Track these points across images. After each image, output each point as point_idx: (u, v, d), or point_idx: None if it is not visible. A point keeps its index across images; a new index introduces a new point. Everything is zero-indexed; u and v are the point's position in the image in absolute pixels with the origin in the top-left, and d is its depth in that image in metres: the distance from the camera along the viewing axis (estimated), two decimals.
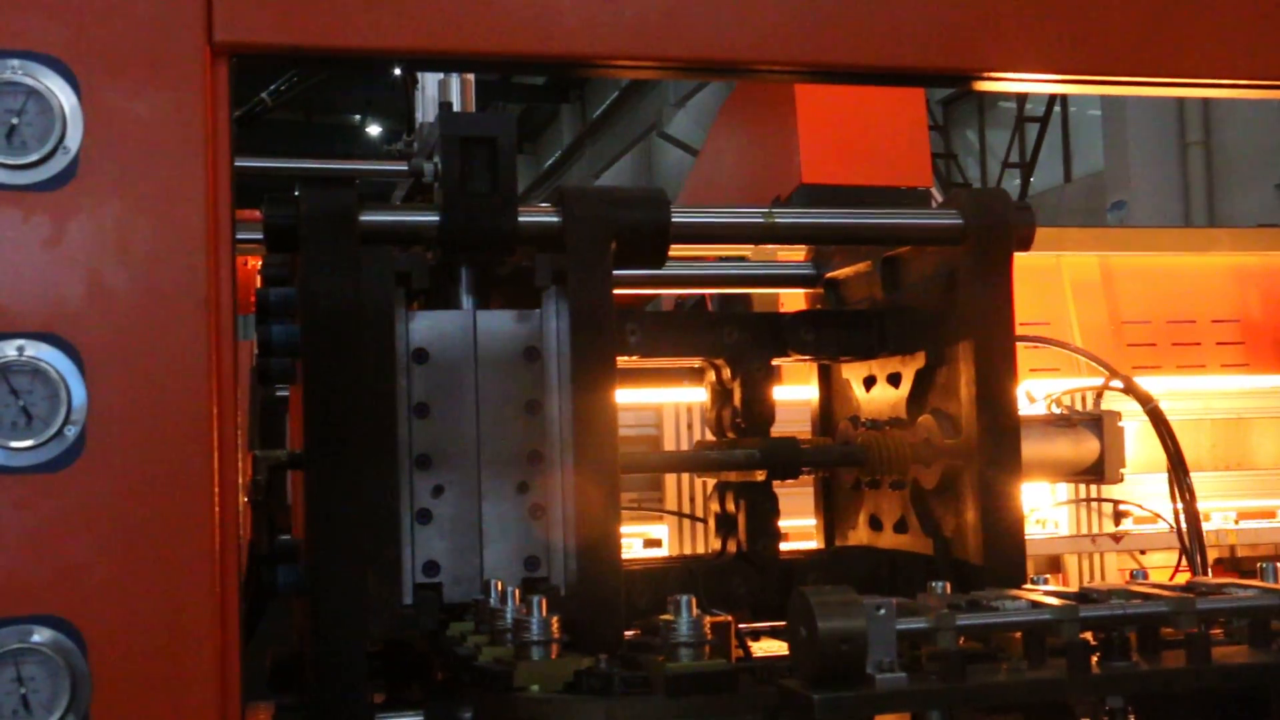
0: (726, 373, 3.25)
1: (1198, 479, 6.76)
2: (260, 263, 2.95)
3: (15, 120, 2.21)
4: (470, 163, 2.68)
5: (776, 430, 3.26)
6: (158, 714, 2.23)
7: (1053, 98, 17.20)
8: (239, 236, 2.41)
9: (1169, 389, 7.13)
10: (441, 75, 4.00)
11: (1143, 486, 5.98)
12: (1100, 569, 6.78)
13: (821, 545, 3.48)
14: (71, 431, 2.20)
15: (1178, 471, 3.48)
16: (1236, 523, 6.99)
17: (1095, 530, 6.76)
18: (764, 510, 3.21)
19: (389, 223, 2.71)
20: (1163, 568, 5.88)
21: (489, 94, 26.10)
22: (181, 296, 2.27)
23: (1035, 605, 2.25)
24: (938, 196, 7.38)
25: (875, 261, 3.26)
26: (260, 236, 2.62)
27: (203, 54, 2.31)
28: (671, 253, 2.86)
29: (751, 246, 4.77)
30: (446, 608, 2.69)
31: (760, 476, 3.19)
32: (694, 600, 2.34)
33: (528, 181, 31.41)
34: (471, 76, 4.03)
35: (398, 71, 4.88)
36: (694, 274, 3.53)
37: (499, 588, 2.51)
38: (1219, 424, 7.23)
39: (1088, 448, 3.21)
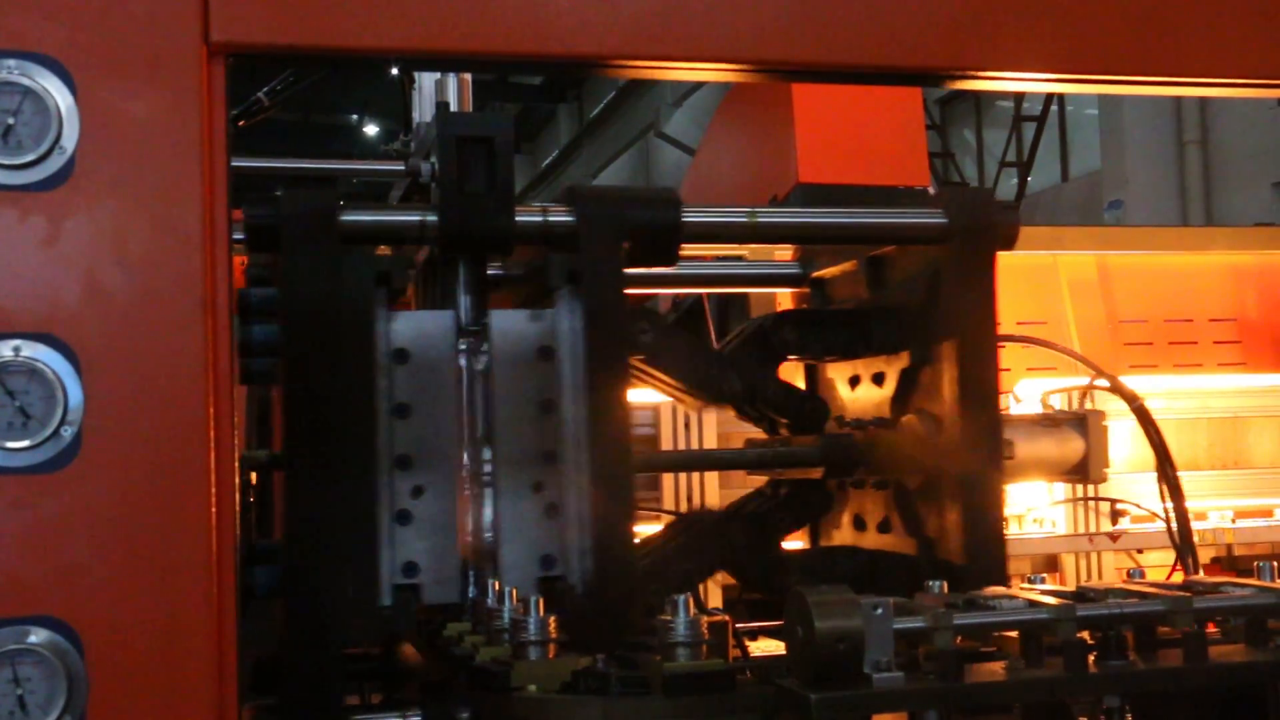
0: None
1: (1195, 478, 6.78)
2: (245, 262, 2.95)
3: (11, 120, 2.21)
4: (467, 162, 2.68)
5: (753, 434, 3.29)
6: (154, 715, 2.23)
7: (1050, 97, 17.20)
8: (236, 237, 2.41)
9: (1166, 388, 7.14)
10: (438, 75, 4.00)
11: (1140, 485, 5.98)
12: (1098, 568, 6.78)
13: (806, 545, 3.48)
14: (68, 432, 2.20)
15: (1165, 469, 3.47)
16: (1233, 522, 6.99)
17: (1093, 529, 6.76)
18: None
19: (380, 223, 2.71)
20: (1160, 566, 5.88)
21: (486, 94, 26.11)
22: (178, 297, 2.27)
23: (1032, 604, 2.25)
24: None
25: (860, 261, 3.25)
26: None
27: (199, 54, 2.31)
28: None
29: (748, 246, 4.77)
30: (426, 608, 2.69)
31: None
32: (691, 600, 2.34)
33: (525, 181, 31.42)
34: (469, 76, 4.03)
35: (395, 71, 4.88)
36: (681, 274, 3.52)
37: (495, 587, 2.51)
38: (1216, 423, 7.23)
39: (1072, 447, 3.21)
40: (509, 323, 2.77)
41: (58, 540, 2.20)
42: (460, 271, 2.90)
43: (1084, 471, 3.23)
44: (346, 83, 25.18)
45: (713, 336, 6.42)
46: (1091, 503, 6.60)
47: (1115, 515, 6.62)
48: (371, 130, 30.20)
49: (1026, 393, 5.56)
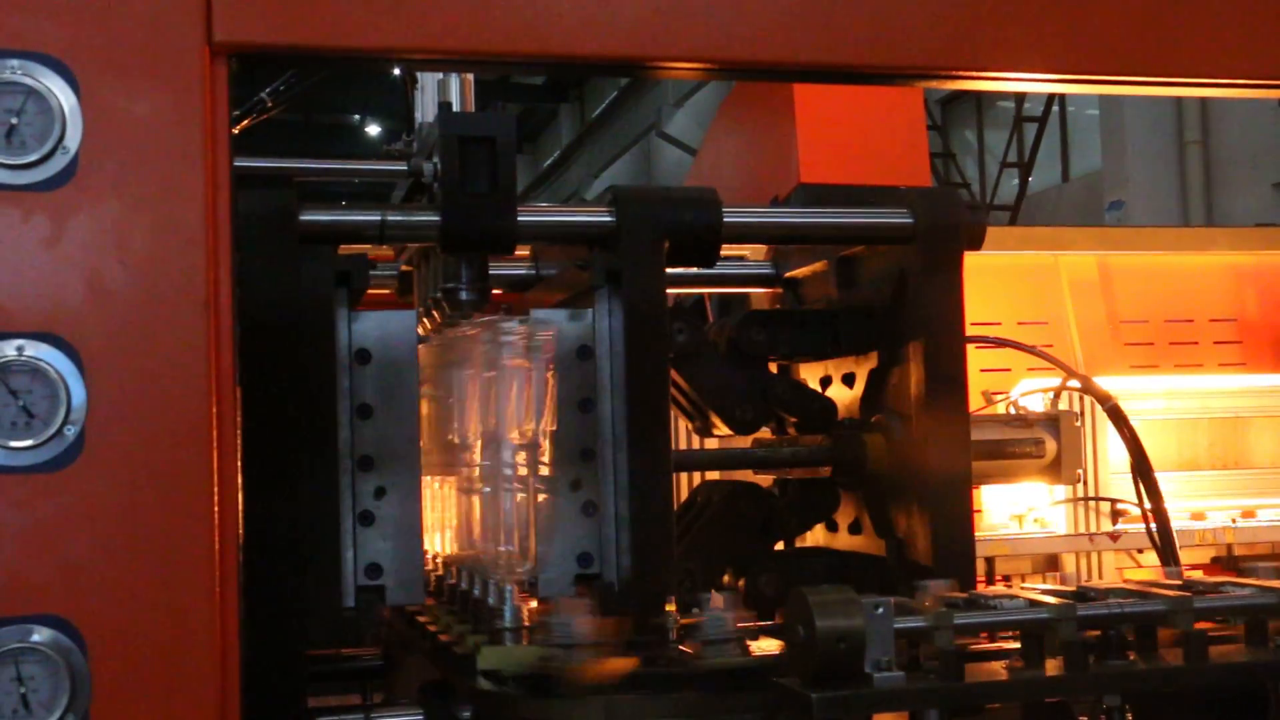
0: None
1: (1195, 478, 6.79)
2: None
3: (15, 120, 2.22)
4: (470, 162, 2.69)
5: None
6: (157, 713, 2.23)
7: (1051, 97, 17.19)
8: None
9: (1167, 388, 7.15)
10: (441, 75, 4.00)
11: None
12: (1098, 568, 6.79)
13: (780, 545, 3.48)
14: (71, 431, 2.21)
15: (1141, 469, 3.47)
16: (1234, 521, 7.00)
17: (1092, 529, 6.76)
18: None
19: (330, 222, 2.72)
20: (1160, 566, 5.88)
21: (488, 94, 26.12)
22: (180, 296, 2.27)
23: (1033, 604, 2.25)
24: None
25: (831, 261, 3.26)
26: None
27: (202, 54, 2.32)
28: None
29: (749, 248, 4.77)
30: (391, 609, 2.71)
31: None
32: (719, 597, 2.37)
33: (527, 181, 31.43)
34: (471, 76, 4.03)
35: (397, 72, 4.89)
36: None
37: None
38: (1216, 423, 7.24)
39: (1045, 448, 3.21)
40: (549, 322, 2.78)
41: (61, 539, 2.21)
42: (463, 271, 2.90)
43: (1056, 472, 3.23)
44: (348, 83, 25.19)
45: None
46: (1091, 503, 6.61)
47: (1115, 515, 6.63)
48: (374, 130, 30.20)
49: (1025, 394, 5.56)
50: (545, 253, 3.21)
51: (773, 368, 3.39)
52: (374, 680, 3.19)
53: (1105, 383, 3.73)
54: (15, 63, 2.22)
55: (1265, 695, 2.34)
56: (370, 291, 2.79)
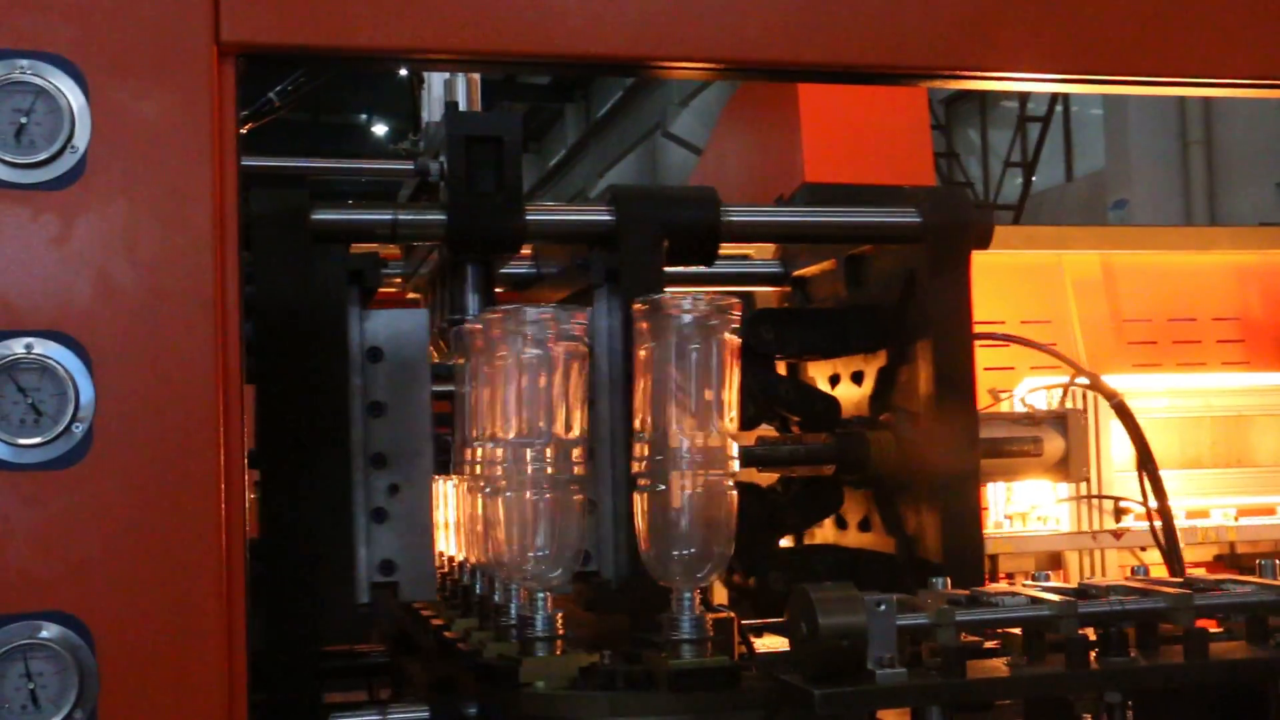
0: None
1: (1198, 476, 6.81)
2: None
3: (24, 120, 2.23)
4: (476, 162, 2.70)
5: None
6: (165, 709, 2.24)
7: (1054, 97, 17.19)
8: None
9: (1169, 386, 7.16)
10: (447, 75, 4.02)
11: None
12: (1101, 565, 6.80)
13: (789, 543, 3.49)
14: (79, 429, 2.22)
15: (1147, 467, 3.47)
16: (1236, 520, 7.01)
17: (1096, 527, 6.77)
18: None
19: (342, 221, 2.72)
20: (1163, 565, 5.89)
21: (494, 94, 26.11)
22: (188, 295, 2.28)
23: (1034, 601, 2.26)
24: None
25: (839, 260, 3.27)
26: None
27: (210, 54, 2.32)
28: None
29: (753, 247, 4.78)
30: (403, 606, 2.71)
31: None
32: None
33: (533, 180, 31.43)
34: (478, 76, 4.04)
35: (404, 72, 4.90)
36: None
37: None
38: (1219, 421, 7.25)
39: (1053, 446, 3.22)
40: None
41: (69, 536, 2.21)
42: (468, 271, 2.91)
43: (1064, 470, 3.24)
44: (355, 83, 25.19)
45: None
46: (1095, 501, 6.62)
47: (1118, 513, 6.64)
48: (380, 130, 30.22)
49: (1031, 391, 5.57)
50: (545, 251, 3.22)
51: (781, 367, 3.41)
52: (379, 677, 3.20)
53: (1108, 381, 3.73)
54: (24, 62, 2.23)
55: (1266, 693, 2.35)
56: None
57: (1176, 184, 17.14)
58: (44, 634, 2.19)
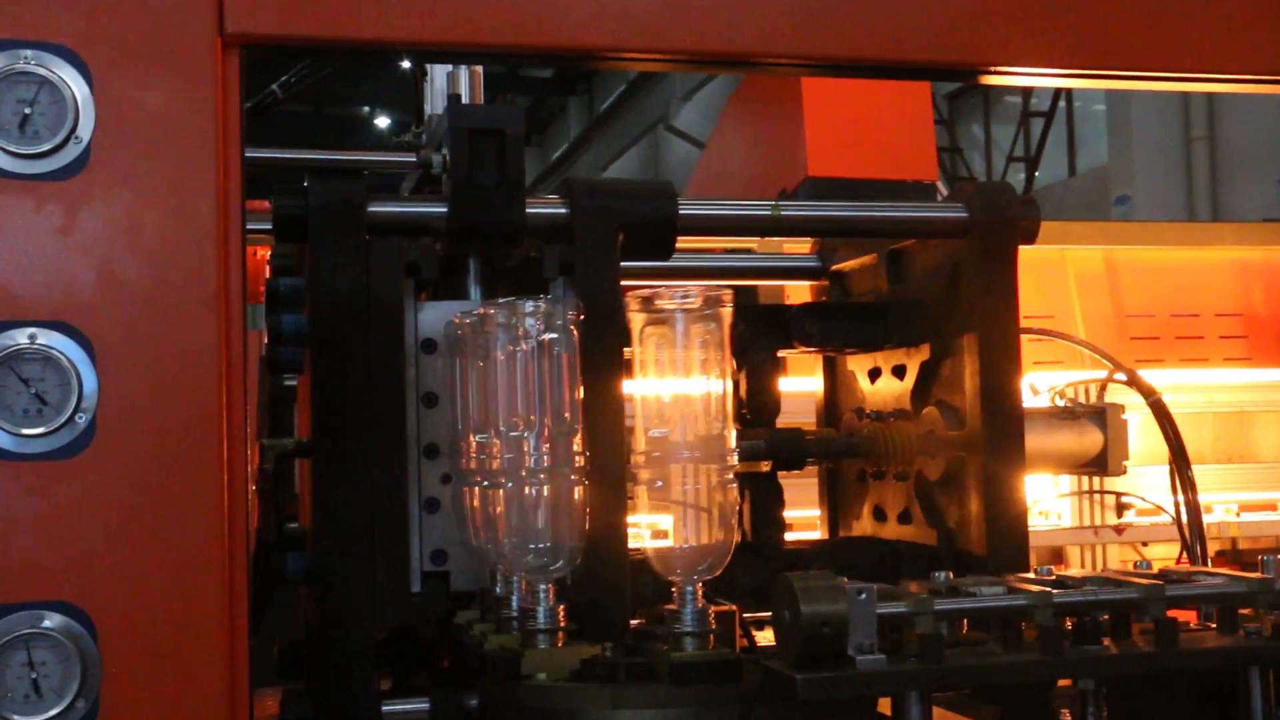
0: (732, 365, 3.26)
1: (1199, 472, 6.79)
2: (269, 252, 2.97)
3: (28, 110, 2.23)
4: (478, 155, 2.70)
5: (781, 421, 3.28)
6: (167, 699, 2.25)
7: (1058, 92, 17.20)
8: (249, 227, 2.43)
9: (1172, 382, 7.16)
10: (450, 67, 4.02)
11: (1145, 479, 5.99)
12: (1103, 560, 6.81)
13: (825, 536, 3.50)
14: (82, 419, 2.22)
15: (1180, 464, 3.49)
16: (1238, 515, 7.02)
17: (1098, 522, 6.78)
18: (769, 500, 3.23)
19: (398, 213, 2.73)
20: (1165, 559, 5.90)
21: (497, 87, 26.12)
22: (192, 286, 2.29)
23: (1011, 591, 2.29)
24: (943, 190, 7.40)
25: (881, 254, 3.27)
26: (270, 227, 2.63)
27: (214, 45, 2.33)
28: (679, 245, 2.87)
29: (757, 240, 4.78)
30: (453, 596, 2.71)
31: (765, 467, 3.21)
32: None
33: (535, 174, 31.42)
34: (480, 69, 4.05)
35: (407, 64, 4.90)
36: (700, 266, 3.53)
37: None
38: (1221, 417, 7.26)
39: (1091, 440, 3.23)
40: None
41: (72, 526, 2.22)
42: (470, 264, 2.92)
43: (1103, 464, 3.26)
44: (358, 75, 25.20)
45: None
46: (1097, 496, 6.62)
47: (1120, 509, 6.64)
48: (383, 122, 30.22)
49: (1039, 386, 5.57)
50: None
51: (819, 360, 3.43)
52: (379, 668, 3.20)
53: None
54: (29, 53, 2.24)
55: (1235, 681, 2.38)
56: None
57: (1180, 179, 17.14)
58: (47, 623, 2.19)
